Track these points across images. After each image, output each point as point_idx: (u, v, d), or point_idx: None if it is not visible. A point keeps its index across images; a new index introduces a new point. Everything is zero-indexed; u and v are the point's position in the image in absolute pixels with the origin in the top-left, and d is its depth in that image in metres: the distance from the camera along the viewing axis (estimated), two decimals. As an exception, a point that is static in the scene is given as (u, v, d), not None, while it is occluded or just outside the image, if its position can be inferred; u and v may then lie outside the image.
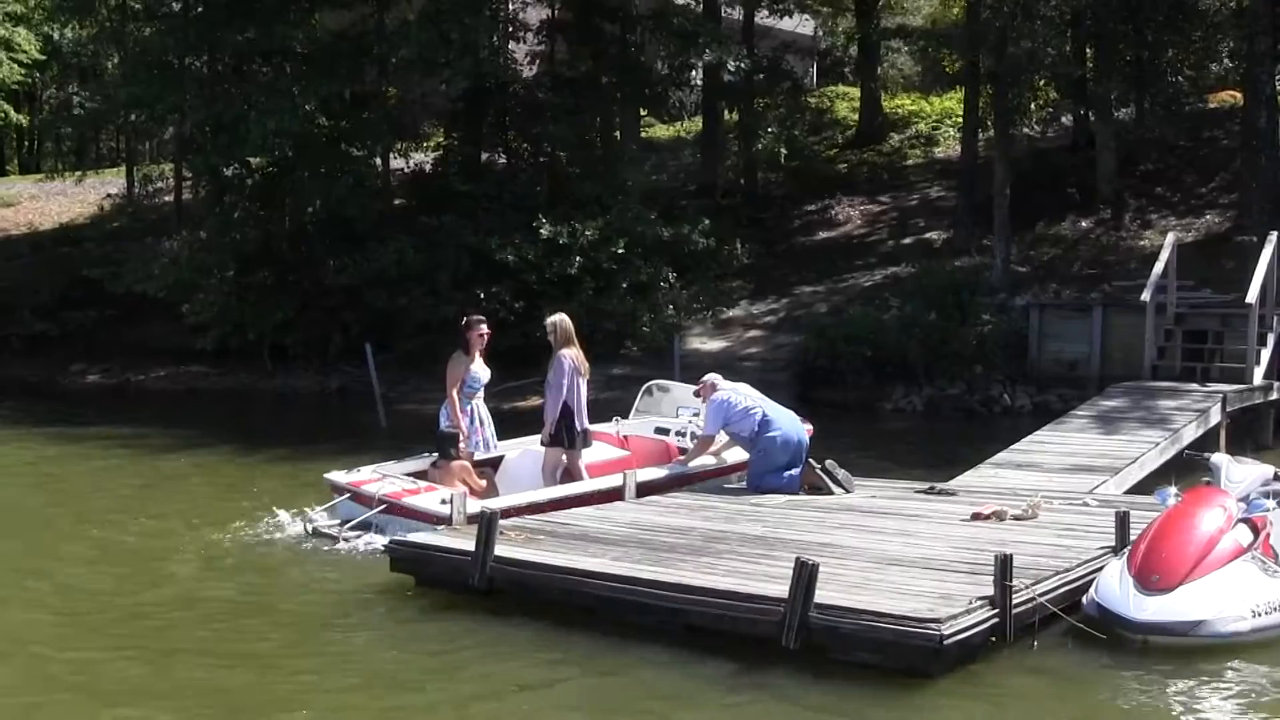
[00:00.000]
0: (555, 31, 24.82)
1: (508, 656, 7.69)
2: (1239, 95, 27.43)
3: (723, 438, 11.43)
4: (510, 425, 12.91)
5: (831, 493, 10.88)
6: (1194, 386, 15.66)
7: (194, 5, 23.13)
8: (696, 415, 12.31)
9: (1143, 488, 11.91)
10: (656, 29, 23.29)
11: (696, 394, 11.63)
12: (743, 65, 22.08)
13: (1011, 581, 7.37)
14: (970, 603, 7.28)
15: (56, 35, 34.65)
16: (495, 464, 11.67)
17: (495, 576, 8.48)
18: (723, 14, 26.41)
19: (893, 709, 6.84)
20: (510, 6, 23.89)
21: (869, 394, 19.13)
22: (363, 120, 22.45)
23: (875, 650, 7.08)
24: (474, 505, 9.77)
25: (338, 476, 10.93)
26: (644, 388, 13.38)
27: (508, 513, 9.28)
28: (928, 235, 24.60)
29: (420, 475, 10.96)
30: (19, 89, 35.20)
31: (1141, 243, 23.27)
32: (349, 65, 23.02)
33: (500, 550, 8.51)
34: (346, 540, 10.09)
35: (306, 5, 22.98)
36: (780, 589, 7.42)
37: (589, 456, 11.48)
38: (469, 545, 8.62)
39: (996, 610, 7.32)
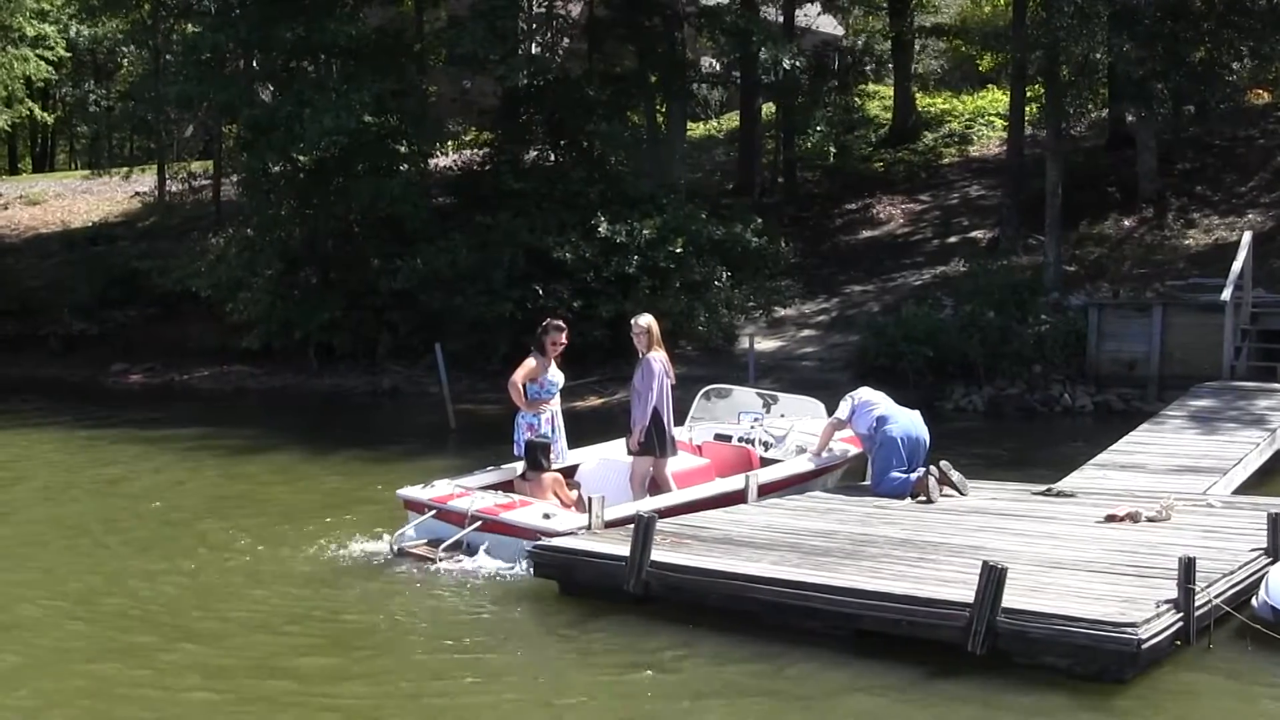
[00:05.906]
0: (597, 28, 24.69)
1: (678, 663, 7.62)
2: (1265, 94, 27.56)
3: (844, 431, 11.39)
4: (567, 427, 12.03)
5: (932, 500, 10.62)
6: (1277, 386, 15.65)
7: (236, 3, 22.88)
8: (759, 421, 12.11)
9: (1248, 488, 11.95)
10: (707, 26, 23.15)
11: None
12: (797, 64, 21.99)
13: (1194, 585, 7.35)
14: (1157, 606, 7.26)
15: (74, 32, 34.38)
16: (570, 473, 11.05)
17: (650, 581, 8.37)
18: (761, 12, 26.35)
19: (1090, 713, 6.80)
20: (556, 3, 23.73)
21: (929, 393, 19.04)
22: (413, 117, 22.28)
23: (1066, 655, 7.03)
24: (573, 517, 9.59)
25: (415, 492, 10.27)
26: (701, 392, 12.77)
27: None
28: (972, 234, 24.60)
29: (503, 487, 10.39)
30: (43, 85, 34.92)
31: (1186, 242, 23.30)
32: (391, 62, 22.88)
33: (657, 555, 8.42)
34: (442, 560, 9.50)
35: (352, 1, 22.81)
36: (959, 593, 7.38)
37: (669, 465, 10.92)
38: (622, 550, 8.52)
39: (1181, 614, 7.31)
